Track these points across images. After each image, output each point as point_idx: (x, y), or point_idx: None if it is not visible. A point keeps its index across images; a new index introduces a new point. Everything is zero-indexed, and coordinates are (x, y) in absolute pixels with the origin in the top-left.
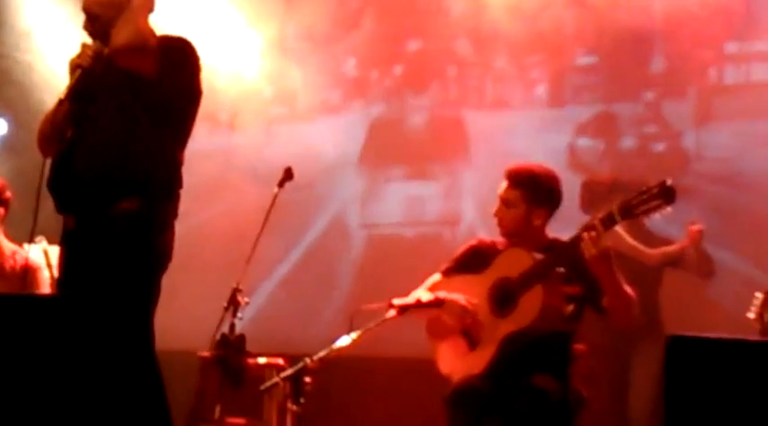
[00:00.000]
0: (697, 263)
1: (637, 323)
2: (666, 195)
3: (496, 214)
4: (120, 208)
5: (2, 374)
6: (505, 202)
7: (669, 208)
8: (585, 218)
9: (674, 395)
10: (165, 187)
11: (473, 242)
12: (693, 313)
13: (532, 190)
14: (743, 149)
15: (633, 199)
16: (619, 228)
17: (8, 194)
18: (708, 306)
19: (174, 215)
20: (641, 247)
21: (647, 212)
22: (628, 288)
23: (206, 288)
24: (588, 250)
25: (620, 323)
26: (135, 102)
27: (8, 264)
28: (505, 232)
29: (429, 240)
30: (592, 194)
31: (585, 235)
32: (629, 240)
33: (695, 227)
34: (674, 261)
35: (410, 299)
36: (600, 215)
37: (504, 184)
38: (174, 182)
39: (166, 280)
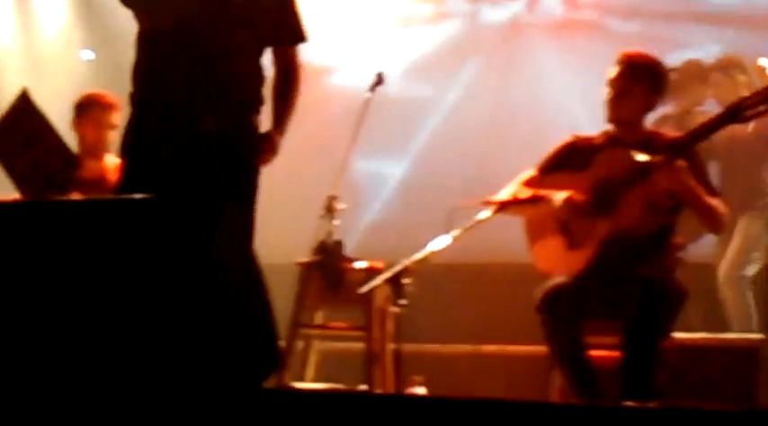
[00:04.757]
0: None
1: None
2: None
3: (610, 102)
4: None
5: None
6: (621, 91)
7: None
8: None
9: None
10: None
11: (570, 138)
12: None
13: (650, 81)
14: None
15: (744, 101)
16: None
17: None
18: None
19: None
20: None
21: (756, 115)
22: (710, 200)
23: (304, 200)
24: (659, 177)
25: (708, 230)
26: None
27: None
28: (616, 119)
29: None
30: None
31: (655, 163)
32: None
33: None
34: None
35: (507, 196)
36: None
37: (616, 71)
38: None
39: (265, 194)
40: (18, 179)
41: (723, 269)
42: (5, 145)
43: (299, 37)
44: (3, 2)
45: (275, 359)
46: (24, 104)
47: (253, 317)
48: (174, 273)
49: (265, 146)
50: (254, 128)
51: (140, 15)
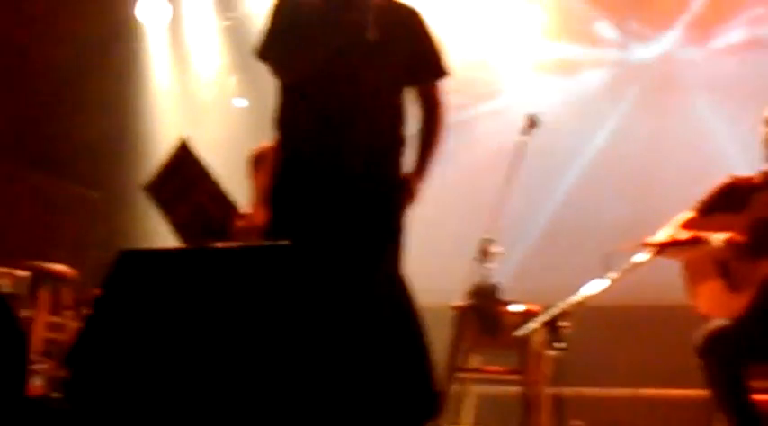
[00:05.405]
0: None
1: None
2: None
3: None
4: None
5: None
6: None
7: None
8: None
9: None
10: None
11: (728, 179)
12: None
13: None
14: None
15: None
16: None
17: None
18: None
19: None
20: None
21: None
22: None
23: (458, 243)
24: None
25: None
26: None
27: None
28: None
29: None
30: None
31: None
32: None
33: None
34: None
35: (665, 238)
36: None
37: None
38: None
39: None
40: (177, 226)
41: None
42: (165, 192)
43: (440, 72)
44: (160, 48)
45: (434, 404)
46: (184, 153)
47: (412, 362)
48: (333, 319)
49: (403, 192)
50: (398, 169)
51: (277, 68)
